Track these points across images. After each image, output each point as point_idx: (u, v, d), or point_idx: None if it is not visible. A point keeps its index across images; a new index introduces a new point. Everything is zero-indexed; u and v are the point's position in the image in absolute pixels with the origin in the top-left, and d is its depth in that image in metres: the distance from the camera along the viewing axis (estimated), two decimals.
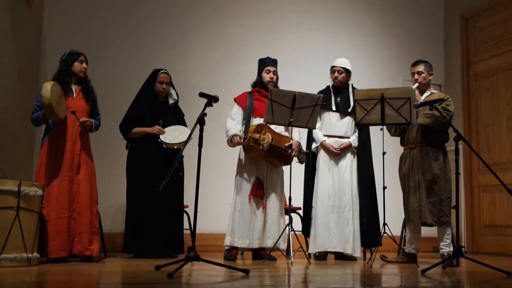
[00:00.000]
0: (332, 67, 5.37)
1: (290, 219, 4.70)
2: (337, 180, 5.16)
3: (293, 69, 6.49)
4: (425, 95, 4.96)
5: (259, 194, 4.87)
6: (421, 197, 4.77)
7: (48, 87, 4.13)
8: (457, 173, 4.22)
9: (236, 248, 4.89)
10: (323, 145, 5.22)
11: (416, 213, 4.77)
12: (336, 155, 5.19)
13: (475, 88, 7.14)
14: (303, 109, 4.71)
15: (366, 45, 7.29)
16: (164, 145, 4.90)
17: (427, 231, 5.34)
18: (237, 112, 5.04)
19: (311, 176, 5.29)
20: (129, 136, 5.06)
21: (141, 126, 5.01)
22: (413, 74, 5.01)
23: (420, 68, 4.96)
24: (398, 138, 5.15)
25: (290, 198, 4.62)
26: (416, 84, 4.91)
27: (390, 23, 7.49)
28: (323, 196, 5.12)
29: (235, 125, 4.95)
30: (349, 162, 5.21)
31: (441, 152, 4.84)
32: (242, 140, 4.79)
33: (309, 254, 5.09)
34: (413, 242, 4.89)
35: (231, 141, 4.87)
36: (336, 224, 5.06)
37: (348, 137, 5.25)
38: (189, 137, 3.86)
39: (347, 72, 5.33)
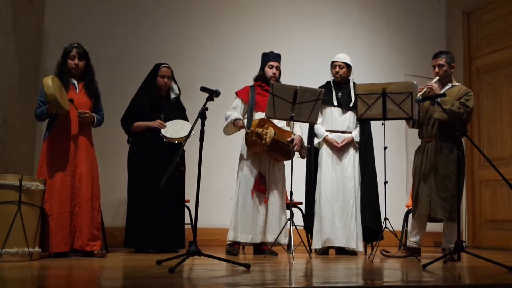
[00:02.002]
0: (333, 62, 5.36)
1: (291, 214, 4.70)
2: (340, 175, 5.16)
3: (294, 64, 6.47)
4: (445, 88, 4.87)
5: (261, 188, 4.87)
6: (432, 191, 4.74)
7: (49, 83, 4.14)
8: (459, 168, 4.21)
9: (238, 243, 4.90)
10: (326, 140, 5.21)
11: (426, 208, 4.75)
12: (339, 150, 5.19)
13: (477, 83, 7.12)
14: (305, 103, 4.70)
15: (367, 40, 7.27)
16: (165, 139, 4.90)
17: (428, 226, 5.33)
18: (238, 105, 5.04)
19: (314, 171, 5.29)
20: (130, 130, 5.06)
21: (143, 120, 5.01)
22: (434, 66, 4.92)
23: (441, 61, 4.88)
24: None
25: (291, 193, 4.62)
26: (437, 78, 4.85)
27: (391, 18, 7.47)
28: (327, 191, 5.13)
29: (235, 113, 4.96)
30: (352, 157, 5.21)
31: (455, 147, 4.78)
32: (245, 129, 4.78)
33: (311, 249, 5.10)
34: (416, 236, 4.88)
35: (234, 124, 4.85)
36: (340, 219, 5.06)
37: (350, 132, 5.25)
38: (190, 132, 3.86)
39: (348, 67, 5.32)
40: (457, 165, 4.27)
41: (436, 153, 4.77)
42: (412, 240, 4.90)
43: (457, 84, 4.97)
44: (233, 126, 4.92)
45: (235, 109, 5.02)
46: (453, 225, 4.72)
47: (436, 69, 4.88)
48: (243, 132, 4.95)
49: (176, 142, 4.89)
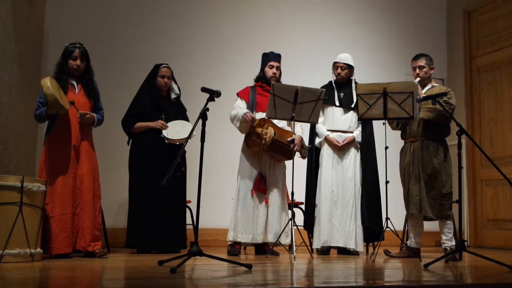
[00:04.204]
0: (335, 63, 5.36)
1: (293, 214, 4.70)
2: (341, 175, 5.16)
3: (295, 64, 6.47)
4: (426, 88, 4.95)
5: (261, 189, 4.87)
6: (421, 191, 4.77)
7: (48, 83, 4.14)
8: (460, 167, 4.21)
9: (239, 243, 4.90)
10: (327, 139, 5.21)
11: (416, 206, 4.77)
12: (340, 149, 5.19)
13: (477, 82, 7.12)
14: (306, 103, 4.70)
15: (368, 40, 7.27)
16: (166, 141, 4.90)
17: (430, 226, 5.34)
18: (241, 105, 5.01)
19: (314, 171, 5.29)
20: (131, 131, 5.06)
21: (144, 121, 5.01)
22: (414, 68, 4.99)
23: (422, 62, 4.94)
24: (400, 132, 5.14)
25: (292, 193, 4.62)
26: (418, 79, 4.90)
27: (392, 17, 7.47)
28: (327, 191, 5.13)
29: (241, 109, 4.90)
30: (353, 157, 5.21)
31: (441, 146, 4.82)
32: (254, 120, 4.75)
33: (312, 249, 5.10)
34: (415, 236, 4.89)
35: (245, 120, 4.76)
36: (339, 219, 5.07)
37: (351, 132, 5.25)
38: (191, 133, 3.86)
39: (350, 68, 5.32)
40: (458, 164, 4.27)
41: (423, 153, 4.81)
42: (412, 240, 4.90)
43: (436, 84, 5.06)
44: (245, 123, 4.82)
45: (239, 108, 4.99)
46: (445, 223, 4.74)
47: (417, 71, 4.96)
48: None
49: (177, 143, 4.89)
